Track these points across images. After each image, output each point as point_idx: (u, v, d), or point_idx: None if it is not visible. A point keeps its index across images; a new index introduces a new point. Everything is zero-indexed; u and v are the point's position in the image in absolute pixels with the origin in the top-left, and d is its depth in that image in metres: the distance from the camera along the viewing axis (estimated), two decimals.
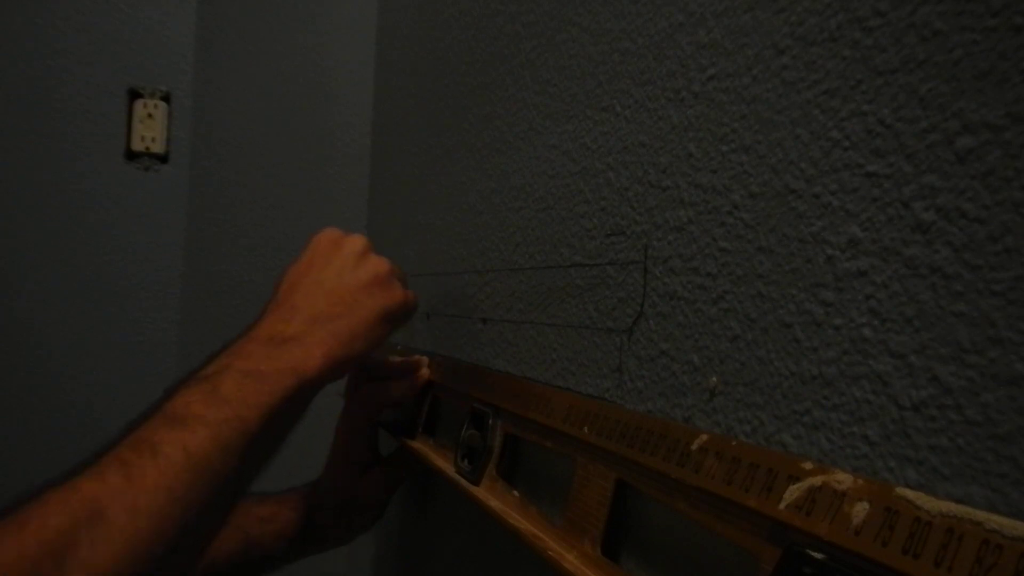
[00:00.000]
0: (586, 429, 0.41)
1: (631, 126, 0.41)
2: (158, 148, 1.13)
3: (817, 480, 0.26)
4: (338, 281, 0.55)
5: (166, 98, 1.13)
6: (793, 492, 0.27)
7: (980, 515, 0.20)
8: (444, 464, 0.58)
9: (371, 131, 1.08)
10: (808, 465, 0.27)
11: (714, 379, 0.33)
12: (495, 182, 0.59)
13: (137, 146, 1.12)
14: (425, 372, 0.67)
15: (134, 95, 1.12)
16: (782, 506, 0.27)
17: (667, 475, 0.33)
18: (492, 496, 0.50)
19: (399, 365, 0.69)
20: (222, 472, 0.41)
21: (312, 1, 1.12)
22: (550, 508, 0.46)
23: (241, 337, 0.51)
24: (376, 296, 0.55)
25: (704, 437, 0.32)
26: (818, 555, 0.25)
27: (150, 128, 1.12)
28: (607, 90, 0.43)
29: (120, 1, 1.11)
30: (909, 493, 0.23)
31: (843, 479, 0.25)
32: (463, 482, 0.54)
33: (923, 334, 0.24)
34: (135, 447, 0.40)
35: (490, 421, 0.53)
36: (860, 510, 0.24)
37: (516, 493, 0.49)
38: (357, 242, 0.58)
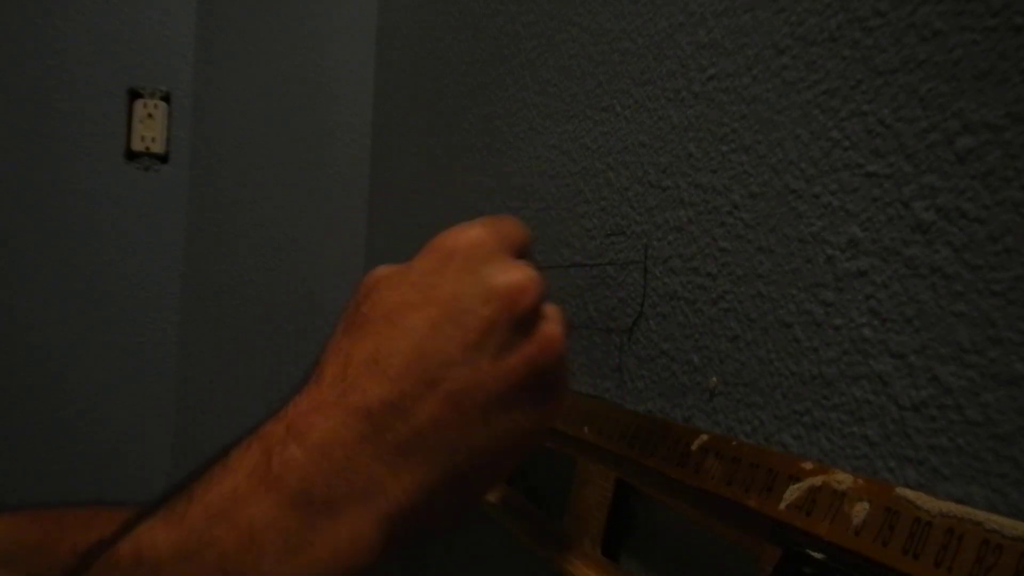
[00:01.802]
0: (586, 429, 0.41)
1: (631, 126, 0.41)
2: (158, 148, 1.13)
3: (817, 480, 0.26)
4: (470, 369, 0.28)
5: (166, 98, 1.13)
6: (793, 492, 0.27)
7: (980, 515, 0.20)
8: None
9: (371, 131, 1.08)
10: (808, 465, 0.27)
11: (714, 379, 0.33)
12: (495, 182, 0.59)
13: (137, 146, 1.12)
14: None
15: (134, 95, 1.12)
16: (782, 506, 0.27)
17: (667, 475, 0.33)
18: (492, 496, 0.50)
19: None
20: None
21: (312, 1, 1.12)
22: (550, 508, 0.46)
23: (246, 457, 0.26)
24: (530, 408, 0.29)
25: (704, 437, 0.32)
26: (818, 555, 0.25)
27: (150, 128, 1.12)
28: (607, 90, 0.43)
29: (120, 1, 1.11)
30: (909, 493, 0.23)
31: (843, 479, 0.25)
32: None
33: (923, 334, 0.24)
34: None
35: None
36: (860, 510, 0.24)
37: (516, 493, 0.49)
38: (528, 289, 0.29)
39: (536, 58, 0.53)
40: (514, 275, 0.29)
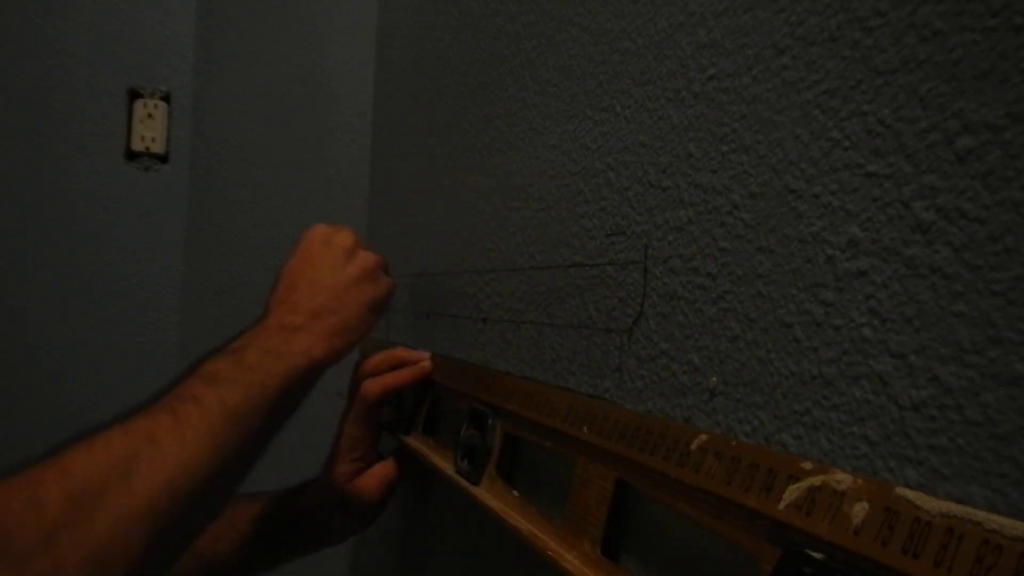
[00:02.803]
0: (586, 429, 0.41)
1: (631, 126, 0.41)
2: (158, 148, 1.13)
3: (816, 480, 0.26)
4: (332, 277, 0.60)
5: (166, 98, 1.13)
6: (793, 492, 0.27)
7: (980, 515, 0.20)
8: (444, 464, 0.58)
9: (371, 131, 1.08)
10: (807, 465, 0.27)
11: (714, 379, 0.33)
12: (495, 182, 0.59)
13: (137, 146, 1.12)
14: (427, 364, 0.67)
15: (134, 95, 1.12)
16: (782, 506, 0.27)
17: (667, 475, 0.33)
18: (492, 496, 0.50)
19: (398, 358, 0.69)
20: (249, 426, 0.48)
21: (312, 1, 1.12)
22: (550, 508, 0.46)
23: (255, 326, 0.56)
24: (366, 289, 0.61)
25: (703, 437, 0.32)
26: (818, 555, 0.25)
27: (150, 128, 1.12)
28: (607, 90, 0.43)
29: (120, 1, 1.11)
30: (909, 493, 0.23)
31: (843, 479, 0.25)
32: (463, 482, 0.54)
33: (923, 334, 0.24)
34: (179, 398, 0.47)
35: (490, 421, 0.53)
36: (860, 510, 0.24)
37: (516, 493, 0.49)
38: (347, 238, 0.63)
39: (536, 58, 0.53)
40: (343, 233, 0.64)
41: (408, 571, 0.82)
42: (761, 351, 0.31)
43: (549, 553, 0.40)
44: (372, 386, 0.67)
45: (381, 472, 0.70)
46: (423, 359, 0.68)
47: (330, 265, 0.61)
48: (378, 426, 0.71)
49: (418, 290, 0.77)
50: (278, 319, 0.56)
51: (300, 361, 0.54)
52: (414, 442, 0.67)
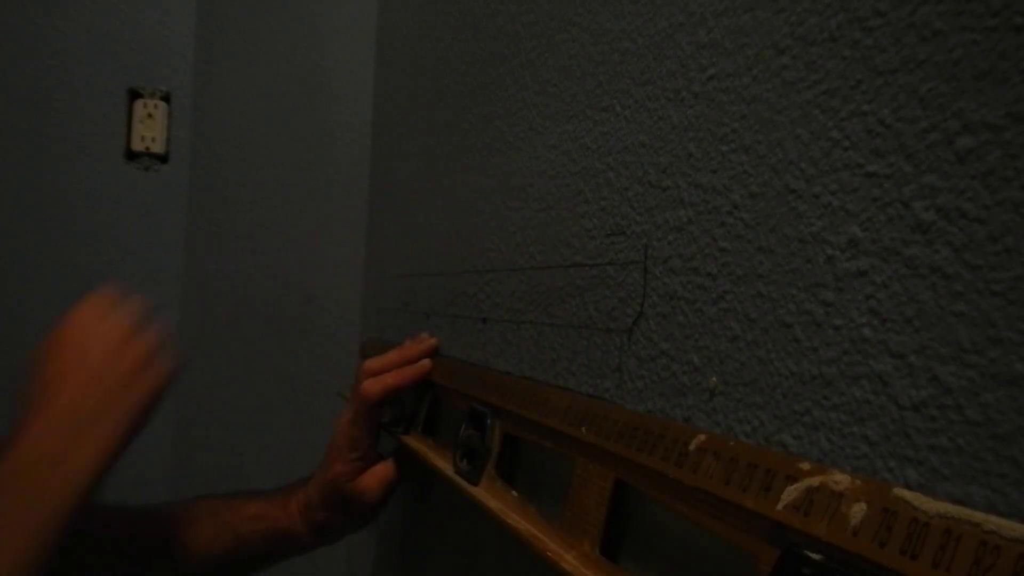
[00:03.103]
0: (585, 429, 0.41)
1: (631, 126, 0.41)
2: (158, 148, 1.13)
3: (815, 480, 0.26)
4: (105, 369, 0.53)
5: (166, 98, 1.13)
6: (791, 492, 0.27)
7: (978, 516, 0.20)
8: (443, 464, 0.58)
9: (371, 131, 1.08)
10: (805, 465, 0.27)
11: (714, 379, 0.33)
12: (495, 182, 0.59)
13: (137, 146, 1.12)
14: (427, 363, 0.67)
15: (134, 95, 1.12)
16: (780, 506, 0.27)
17: (665, 475, 0.33)
18: (491, 496, 0.50)
19: (402, 356, 0.69)
20: None
21: (312, 1, 1.12)
22: (549, 508, 0.46)
23: (12, 447, 0.49)
24: (143, 382, 0.55)
25: (702, 437, 0.32)
26: (816, 556, 0.25)
27: (150, 128, 1.12)
28: (607, 90, 0.43)
29: (120, 1, 1.11)
30: (907, 494, 0.23)
31: (841, 479, 0.25)
32: (462, 482, 0.54)
33: (923, 334, 0.24)
34: None
35: (489, 421, 0.53)
36: (858, 511, 0.24)
37: (515, 493, 0.49)
38: (123, 320, 0.57)
39: (536, 58, 0.53)
40: (115, 316, 0.58)
41: (408, 571, 0.82)
42: (761, 351, 0.31)
43: (548, 553, 0.40)
44: (373, 386, 0.67)
45: (381, 472, 0.70)
46: (427, 345, 0.68)
47: (103, 353, 0.54)
48: (379, 426, 0.71)
49: (418, 290, 0.77)
50: (36, 443, 0.49)
51: (72, 502, 0.48)
52: (414, 442, 0.67)
